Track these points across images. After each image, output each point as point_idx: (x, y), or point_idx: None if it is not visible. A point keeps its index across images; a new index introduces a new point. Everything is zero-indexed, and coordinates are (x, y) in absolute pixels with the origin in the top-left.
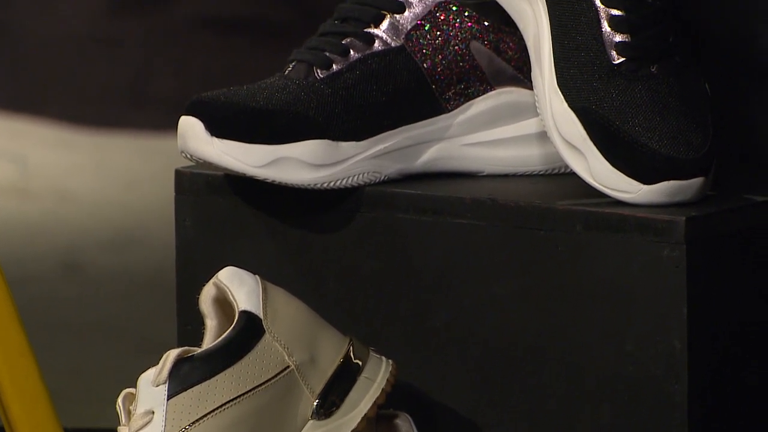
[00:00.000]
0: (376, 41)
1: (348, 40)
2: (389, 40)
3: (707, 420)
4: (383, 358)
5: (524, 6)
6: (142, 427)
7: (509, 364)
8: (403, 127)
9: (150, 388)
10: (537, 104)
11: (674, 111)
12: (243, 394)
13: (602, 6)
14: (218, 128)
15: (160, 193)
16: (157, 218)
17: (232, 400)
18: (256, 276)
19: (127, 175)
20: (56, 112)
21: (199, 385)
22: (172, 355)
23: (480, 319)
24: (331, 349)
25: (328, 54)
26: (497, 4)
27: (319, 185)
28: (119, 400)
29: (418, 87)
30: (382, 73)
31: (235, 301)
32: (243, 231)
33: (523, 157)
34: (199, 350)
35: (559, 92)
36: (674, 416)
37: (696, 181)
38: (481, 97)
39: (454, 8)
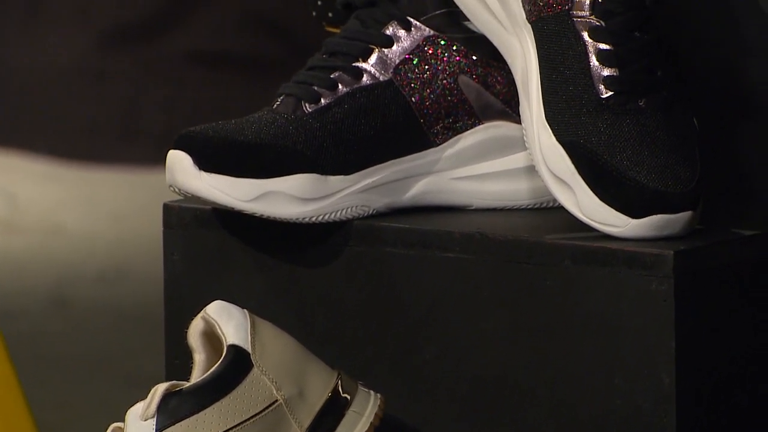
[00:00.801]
0: (365, 75)
1: (336, 74)
2: (377, 74)
3: None
4: (371, 392)
5: (512, 40)
6: None
7: (498, 397)
8: (392, 161)
9: (138, 423)
10: (525, 138)
11: (662, 145)
12: (231, 428)
13: (590, 40)
14: (206, 162)
15: (148, 228)
16: (145, 252)
17: None
18: (245, 310)
19: (116, 210)
20: (45, 147)
21: (188, 419)
22: (160, 389)
23: (468, 353)
24: (320, 383)
25: (316, 88)
26: (485, 38)
27: (307, 219)
28: None
29: (407, 121)
30: (370, 107)
31: (224, 335)
32: (231, 265)
33: (512, 191)
34: (187, 384)
35: (548, 126)
36: None
37: (684, 215)
38: (469, 131)
39: (443, 42)
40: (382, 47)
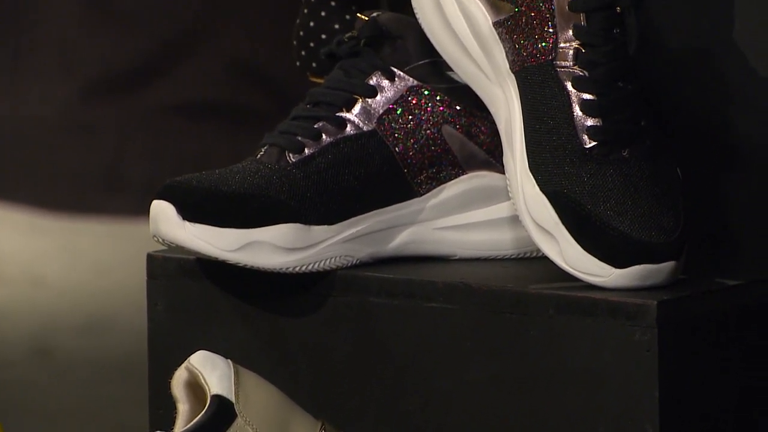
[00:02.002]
0: (348, 125)
1: (320, 124)
2: (361, 124)
3: None
4: None
5: (496, 90)
6: None
7: None
8: (375, 211)
9: None
10: (509, 188)
11: (646, 195)
12: None
13: (573, 90)
14: (190, 212)
15: (132, 278)
16: (129, 303)
17: None
18: (228, 360)
19: (99, 260)
20: (28, 198)
21: None
22: None
23: (453, 402)
24: None
25: (300, 138)
26: (469, 88)
27: (291, 269)
28: None
29: (390, 171)
30: (354, 158)
31: (207, 385)
32: (215, 315)
33: (495, 241)
34: None
35: (531, 176)
36: None
37: (668, 265)
38: (453, 181)
39: (426, 92)
40: (365, 97)
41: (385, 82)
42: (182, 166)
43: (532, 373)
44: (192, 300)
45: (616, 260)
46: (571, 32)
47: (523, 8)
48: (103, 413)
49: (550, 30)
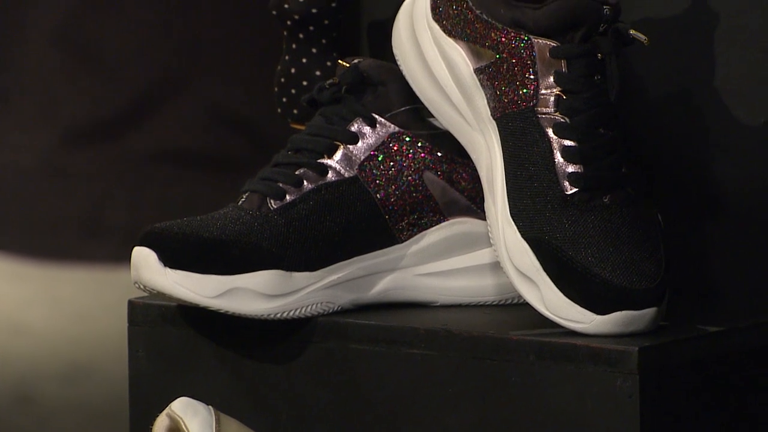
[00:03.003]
0: (330, 172)
1: (301, 170)
2: (342, 171)
3: None
4: None
5: (477, 137)
6: None
7: None
8: (357, 258)
9: None
10: (490, 234)
11: (627, 241)
12: None
13: (555, 137)
14: (171, 259)
15: (113, 325)
16: (110, 350)
17: None
18: (210, 406)
19: (81, 308)
20: (9, 245)
21: None
22: None
23: None
24: None
25: (281, 184)
26: (450, 134)
27: (272, 315)
28: None
29: (372, 217)
30: (335, 204)
31: (189, 431)
32: (196, 361)
33: (477, 288)
34: None
35: (512, 222)
36: None
37: (649, 312)
38: (434, 228)
39: (408, 139)
40: (347, 144)
41: (367, 129)
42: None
43: (514, 420)
44: (173, 346)
45: (598, 307)
46: (552, 79)
47: (505, 55)
48: None
49: (532, 77)
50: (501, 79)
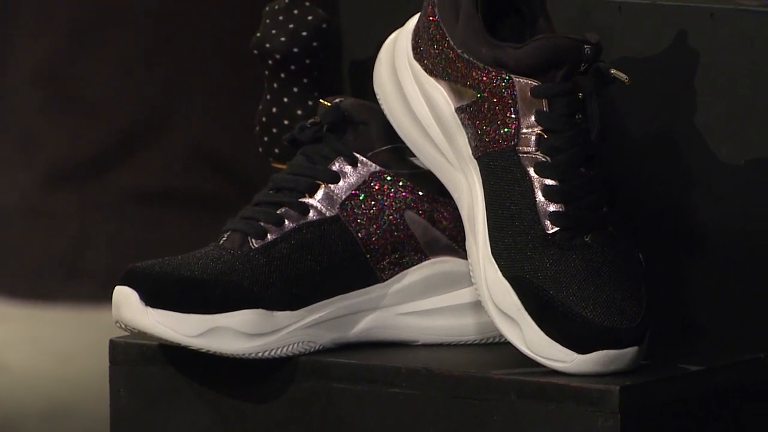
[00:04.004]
0: (311, 211)
1: (283, 209)
2: (324, 210)
3: None
4: None
5: (458, 176)
6: None
7: None
8: (338, 297)
9: None
10: (471, 273)
11: (608, 280)
12: None
13: (536, 176)
14: (153, 298)
15: (95, 365)
16: (92, 389)
17: None
18: None
19: (62, 348)
20: None
21: None
22: None
23: None
24: None
25: (262, 224)
26: (432, 173)
27: (253, 355)
28: None
29: (353, 257)
30: (316, 243)
31: None
32: (178, 401)
33: (458, 327)
34: None
35: (494, 261)
36: None
37: (630, 351)
38: (415, 267)
39: (389, 178)
40: (328, 183)
41: (348, 168)
42: (145, 253)
43: None
44: (155, 386)
45: (579, 346)
46: (533, 118)
47: (486, 94)
48: None
49: (513, 116)
50: (482, 119)
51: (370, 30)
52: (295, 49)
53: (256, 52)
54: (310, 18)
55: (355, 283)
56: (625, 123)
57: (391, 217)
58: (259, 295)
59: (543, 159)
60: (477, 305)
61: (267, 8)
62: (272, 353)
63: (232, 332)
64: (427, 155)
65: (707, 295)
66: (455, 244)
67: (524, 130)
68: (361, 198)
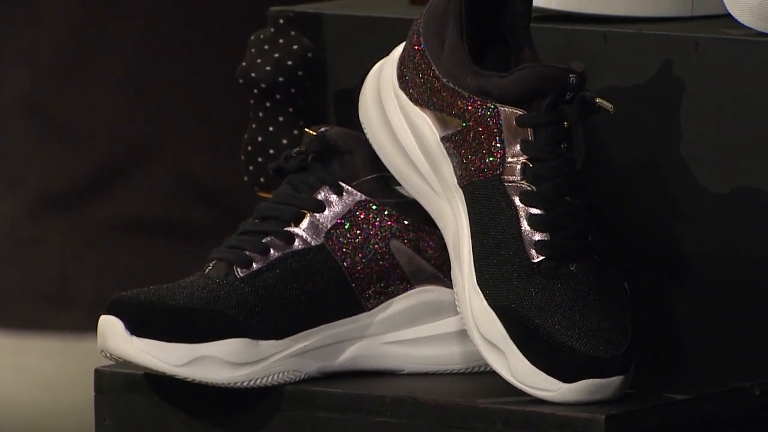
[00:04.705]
0: (296, 240)
1: (268, 238)
2: (309, 239)
3: None
4: None
5: (443, 204)
6: None
7: None
8: (323, 326)
9: None
10: (457, 303)
11: (594, 309)
12: None
13: (521, 205)
14: (138, 327)
15: (80, 394)
16: (77, 419)
17: None
18: None
19: (47, 377)
20: None
21: None
22: None
23: None
24: None
25: (248, 253)
26: (417, 202)
27: (239, 384)
28: None
29: (338, 285)
30: (302, 272)
31: None
32: (163, 430)
33: (444, 356)
34: None
35: (479, 291)
36: None
37: (616, 380)
38: (401, 296)
39: (374, 207)
40: (313, 212)
41: (333, 197)
42: (130, 282)
43: None
44: (140, 415)
45: (565, 375)
46: (518, 147)
47: (471, 123)
48: None
49: (498, 145)
50: (467, 148)
51: (356, 59)
52: (281, 78)
53: (241, 81)
54: (295, 47)
55: (341, 312)
56: (610, 152)
57: (376, 246)
58: (244, 325)
59: (528, 188)
60: (462, 334)
61: (252, 37)
62: (258, 382)
63: (217, 361)
64: (412, 184)
65: (693, 323)
66: (440, 273)
67: (509, 159)
68: (346, 227)
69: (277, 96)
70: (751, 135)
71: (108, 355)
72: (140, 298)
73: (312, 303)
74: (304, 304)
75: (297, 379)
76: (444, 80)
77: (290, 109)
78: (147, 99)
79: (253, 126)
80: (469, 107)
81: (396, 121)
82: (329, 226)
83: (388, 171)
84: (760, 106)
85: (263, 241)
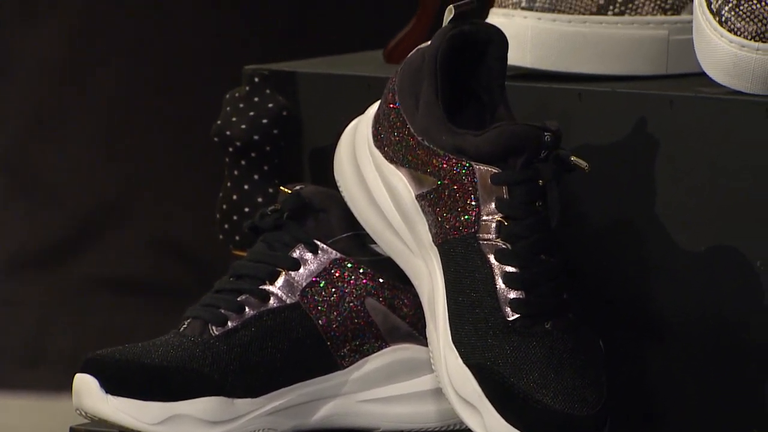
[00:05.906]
0: (272, 298)
1: (243, 297)
2: (284, 297)
3: None
4: None
5: (419, 262)
6: None
7: None
8: (298, 384)
9: None
10: (432, 361)
11: (569, 367)
12: None
13: (496, 263)
14: (113, 386)
15: None
16: None
17: None
18: None
19: None
20: None
21: None
22: None
23: None
24: None
25: (223, 311)
26: (392, 260)
27: None
28: None
29: (313, 344)
30: (277, 330)
31: None
32: None
33: (419, 414)
34: None
35: (454, 349)
36: None
37: None
38: (376, 354)
39: (349, 265)
40: (288, 270)
41: (308, 255)
42: (105, 340)
43: None
44: None
45: None
46: (493, 205)
47: (446, 181)
48: None
49: (473, 203)
50: (442, 206)
51: (331, 117)
52: (256, 137)
53: (216, 139)
54: (270, 105)
55: (316, 371)
56: (585, 209)
57: (351, 304)
58: (219, 383)
59: (503, 246)
60: (438, 392)
61: (227, 96)
62: None
63: (192, 420)
64: (387, 242)
65: (667, 381)
66: (416, 331)
67: (485, 218)
68: (321, 285)
69: (252, 154)
70: (725, 193)
71: (83, 413)
72: (115, 357)
73: (287, 361)
74: (279, 363)
75: None
76: (419, 138)
77: (265, 168)
78: (121, 157)
79: (228, 184)
80: (444, 165)
81: (371, 179)
82: (304, 284)
83: (363, 229)
84: (734, 164)
85: (238, 299)
